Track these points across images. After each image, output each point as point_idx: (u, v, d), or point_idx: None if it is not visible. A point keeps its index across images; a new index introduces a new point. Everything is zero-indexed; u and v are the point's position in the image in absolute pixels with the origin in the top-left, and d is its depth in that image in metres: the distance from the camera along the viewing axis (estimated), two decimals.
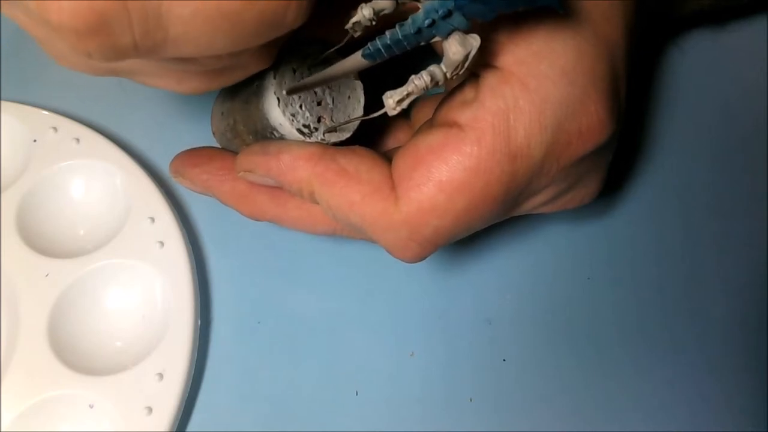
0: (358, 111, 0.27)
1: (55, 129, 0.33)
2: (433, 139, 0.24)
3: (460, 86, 0.25)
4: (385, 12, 0.22)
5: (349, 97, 0.27)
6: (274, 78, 0.25)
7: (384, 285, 0.33)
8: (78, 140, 0.33)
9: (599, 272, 0.34)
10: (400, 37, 0.20)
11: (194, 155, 0.28)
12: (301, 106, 0.25)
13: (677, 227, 0.35)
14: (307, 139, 0.26)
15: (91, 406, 0.29)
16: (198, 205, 0.34)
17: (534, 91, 0.23)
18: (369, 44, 0.21)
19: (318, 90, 0.26)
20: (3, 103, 0.33)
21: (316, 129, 0.26)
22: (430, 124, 0.26)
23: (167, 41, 0.17)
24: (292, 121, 0.25)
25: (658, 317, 0.34)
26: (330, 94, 0.26)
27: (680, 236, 0.35)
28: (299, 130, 0.25)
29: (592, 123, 0.24)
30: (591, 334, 0.33)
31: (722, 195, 0.36)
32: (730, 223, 0.36)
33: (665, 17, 0.35)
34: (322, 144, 0.25)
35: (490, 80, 0.23)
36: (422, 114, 0.29)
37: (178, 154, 0.28)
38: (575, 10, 0.24)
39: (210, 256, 0.33)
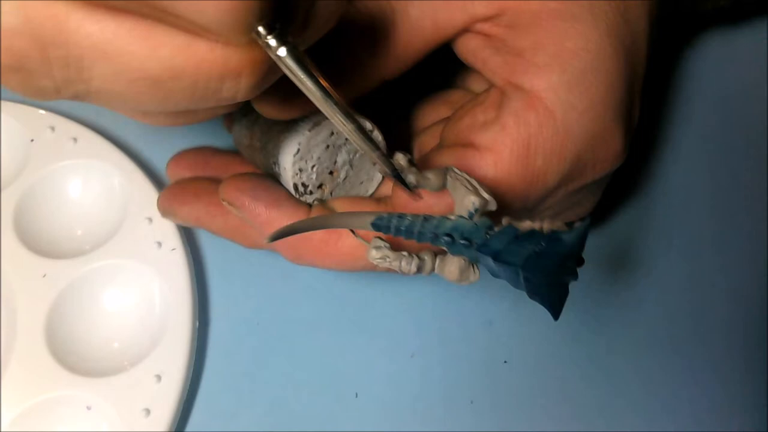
0: (361, 194, 0.27)
1: (52, 128, 0.33)
2: (445, 160, 0.24)
3: (480, 100, 0.25)
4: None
5: (361, 183, 0.27)
6: (309, 131, 0.24)
7: (384, 285, 0.33)
8: (75, 140, 0.33)
9: (599, 274, 0.34)
10: (417, 230, 0.21)
11: (180, 192, 0.27)
12: (313, 167, 0.25)
13: (677, 227, 0.35)
14: (297, 196, 0.25)
15: (88, 408, 0.29)
16: None
17: (560, 121, 0.23)
18: (385, 216, 0.21)
19: (339, 159, 0.25)
20: (0, 102, 0.33)
21: (311, 193, 0.25)
22: (443, 140, 0.26)
23: (90, 93, 0.16)
24: (296, 174, 0.24)
25: (658, 318, 0.34)
26: (347, 172, 0.26)
27: (680, 236, 0.35)
28: (295, 186, 0.25)
29: (608, 155, 0.24)
30: (591, 335, 0.33)
31: (722, 195, 0.36)
32: (730, 223, 0.36)
33: (683, 16, 0.35)
34: (308, 205, 0.25)
35: (514, 103, 0.23)
36: (428, 111, 0.29)
37: (164, 192, 0.28)
38: (618, 36, 0.23)
39: (208, 257, 0.33)
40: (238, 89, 0.16)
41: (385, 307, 0.33)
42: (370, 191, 0.27)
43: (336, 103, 0.18)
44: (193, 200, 0.27)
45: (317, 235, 0.24)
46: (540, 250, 0.20)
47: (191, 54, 0.15)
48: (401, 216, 0.21)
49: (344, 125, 0.18)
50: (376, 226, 0.21)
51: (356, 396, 0.31)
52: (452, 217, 0.21)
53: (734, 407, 0.32)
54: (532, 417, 0.31)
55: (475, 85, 0.28)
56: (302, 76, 0.16)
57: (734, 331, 0.33)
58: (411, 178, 0.21)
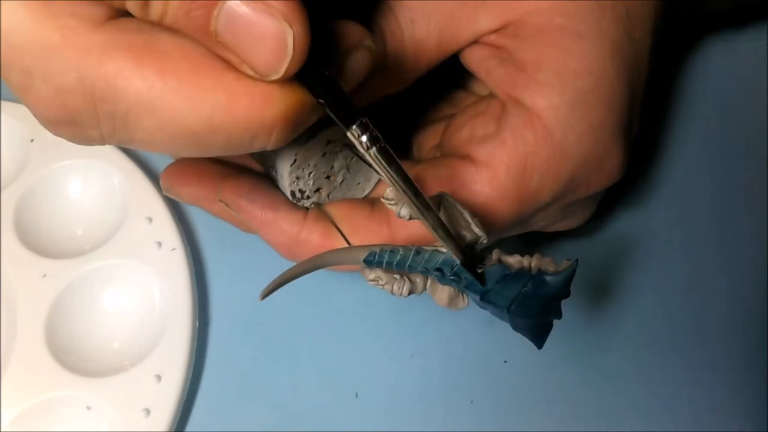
0: (358, 197, 0.27)
1: None
2: (441, 171, 0.24)
3: (481, 110, 0.25)
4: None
5: (358, 183, 0.27)
6: (306, 142, 0.24)
7: None
8: None
9: (599, 275, 0.34)
10: (408, 263, 0.21)
11: (182, 174, 0.27)
12: (310, 174, 0.25)
13: (677, 227, 0.35)
14: (294, 202, 0.25)
15: (88, 408, 0.29)
16: None
17: (558, 142, 0.23)
18: (377, 252, 0.21)
19: (336, 164, 0.25)
20: (0, 102, 0.33)
21: (308, 197, 0.25)
22: (441, 148, 0.25)
23: (134, 141, 0.17)
24: (293, 182, 0.24)
25: (658, 318, 0.34)
26: (344, 175, 0.26)
27: (680, 236, 0.35)
28: (292, 193, 0.25)
29: (603, 174, 0.24)
30: (591, 335, 0.33)
31: (722, 195, 0.36)
32: (730, 223, 0.36)
33: (684, 17, 0.35)
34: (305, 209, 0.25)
35: (514, 120, 0.23)
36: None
37: (167, 170, 0.28)
38: (622, 55, 0.23)
39: (208, 256, 0.33)
40: (269, 142, 0.17)
41: (385, 307, 0.33)
42: (367, 191, 0.27)
43: (417, 195, 0.19)
44: (195, 183, 0.27)
45: (314, 239, 0.24)
46: (526, 292, 0.20)
47: (230, 112, 0.16)
48: (393, 250, 0.21)
49: (423, 216, 0.19)
50: (368, 262, 0.21)
51: (356, 396, 0.31)
52: (443, 250, 0.21)
53: (734, 407, 0.32)
54: (532, 417, 0.31)
55: (479, 87, 0.28)
56: (388, 170, 0.18)
57: (734, 331, 0.33)
58: (404, 211, 0.21)
